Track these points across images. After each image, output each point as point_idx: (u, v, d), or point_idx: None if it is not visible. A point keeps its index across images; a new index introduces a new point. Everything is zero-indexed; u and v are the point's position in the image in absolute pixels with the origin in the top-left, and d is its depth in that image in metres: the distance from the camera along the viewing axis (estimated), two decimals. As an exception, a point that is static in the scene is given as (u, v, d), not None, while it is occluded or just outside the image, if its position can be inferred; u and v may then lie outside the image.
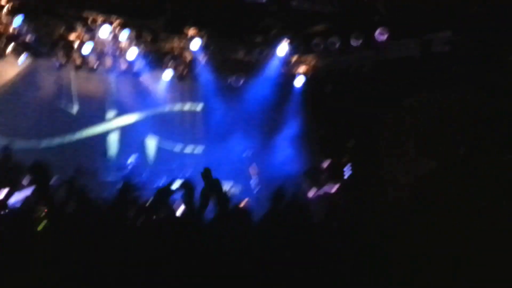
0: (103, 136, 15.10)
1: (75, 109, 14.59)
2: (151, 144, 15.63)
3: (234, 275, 4.93)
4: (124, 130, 15.31)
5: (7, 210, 8.67)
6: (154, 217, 5.88)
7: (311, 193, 13.36)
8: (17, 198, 11.33)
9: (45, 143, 14.06)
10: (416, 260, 5.45)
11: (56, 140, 14.26)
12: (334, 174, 13.48)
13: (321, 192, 13.35)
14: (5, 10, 11.83)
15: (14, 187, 11.55)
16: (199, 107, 16.40)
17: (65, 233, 5.38)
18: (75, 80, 14.54)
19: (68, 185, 6.03)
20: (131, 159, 14.07)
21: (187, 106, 16.34)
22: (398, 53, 13.48)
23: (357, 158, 14.05)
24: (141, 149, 15.37)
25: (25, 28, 12.57)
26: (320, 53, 14.31)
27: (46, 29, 12.94)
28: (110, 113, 15.27)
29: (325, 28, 13.62)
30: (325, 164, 13.67)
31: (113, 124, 15.25)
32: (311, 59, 14.99)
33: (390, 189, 12.41)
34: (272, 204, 6.39)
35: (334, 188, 13.31)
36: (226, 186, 13.11)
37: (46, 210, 5.93)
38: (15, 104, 13.76)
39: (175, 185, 6.51)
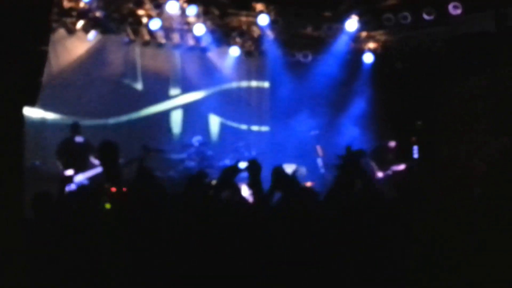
0: (168, 113, 15.12)
1: (140, 86, 14.65)
2: (216, 122, 15.56)
3: (301, 259, 4.80)
4: (189, 108, 15.24)
5: (74, 187, 8.82)
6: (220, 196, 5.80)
7: (379, 173, 13.14)
8: (85, 176, 11.54)
9: (112, 120, 14.20)
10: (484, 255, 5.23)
11: (123, 118, 14.38)
12: (401, 154, 13.17)
13: (390, 171, 13.13)
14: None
15: (82, 165, 11.76)
16: (266, 84, 16.20)
17: (130, 212, 5.36)
18: (140, 57, 14.59)
19: (136, 164, 6.00)
20: (197, 138, 14.05)
21: (254, 83, 16.17)
22: (472, 28, 13.00)
23: (426, 138, 13.70)
24: (206, 127, 15.33)
25: (94, 4, 12.67)
26: (391, 29, 13.95)
27: (115, 5, 13.02)
28: (175, 90, 15.25)
29: (396, 2, 13.25)
30: (392, 144, 13.39)
31: (178, 101, 15.23)
32: (381, 35, 14.62)
33: (460, 172, 12.04)
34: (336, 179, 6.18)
35: (401, 167, 13.06)
36: (291, 168, 12.98)
37: (113, 189, 5.94)
38: (83, 82, 13.90)
39: (242, 164, 6.41)
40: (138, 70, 14.62)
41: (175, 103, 15.18)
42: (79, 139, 12.39)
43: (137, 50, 14.41)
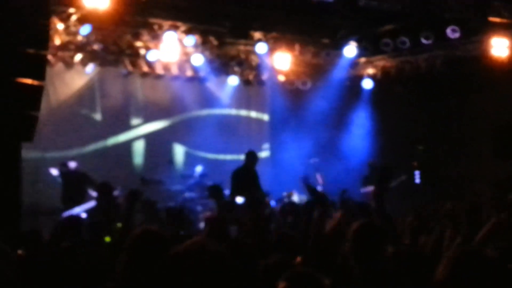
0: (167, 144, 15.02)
1: (98, 117, 14.42)
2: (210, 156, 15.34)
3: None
4: (188, 137, 15.15)
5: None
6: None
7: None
8: (82, 208, 11.48)
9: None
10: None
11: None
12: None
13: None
14: (73, 19, 11.90)
15: (81, 197, 11.72)
16: (265, 112, 16.10)
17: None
18: (100, 88, 14.39)
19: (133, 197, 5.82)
20: (198, 168, 13.90)
21: (254, 112, 16.07)
22: (470, 51, 13.01)
23: (428, 162, 13.62)
24: (204, 158, 15.13)
25: (92, 37, 12.65)
26: (390, 54, 13.92)
27: (113, 37, 12.99)
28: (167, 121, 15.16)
29: (394, 27, 13.23)
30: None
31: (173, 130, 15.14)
32: (379, 60, 14.59)
33: (466, 195, 11.92)
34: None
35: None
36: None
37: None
38: (79, 116, 13.92)
39: (239, 199, 6.35)
40: (97, 101, 14.40)
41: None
42: (74, 168, 12.30)
43: (96, 80, 14.21)
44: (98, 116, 14.12)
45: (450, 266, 2.72)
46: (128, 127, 14.64)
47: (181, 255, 2.64)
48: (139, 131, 14.76)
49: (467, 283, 2.67)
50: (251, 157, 12.04)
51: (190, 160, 14.91)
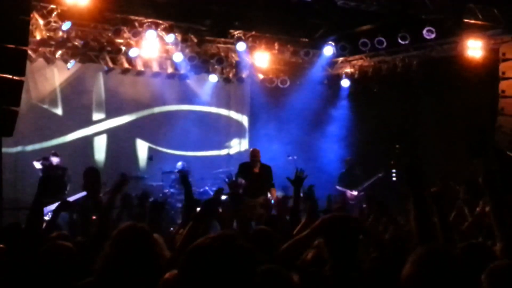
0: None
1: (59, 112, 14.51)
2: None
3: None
4: (166, 134, 15.26)
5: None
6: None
7: (353, 193, 13.34)
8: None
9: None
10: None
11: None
12: None
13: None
14: (54, 15, 11.95)
15: (62, 192, 11.74)
16: (244, 109, 16.27)
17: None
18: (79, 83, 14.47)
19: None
20: (178, 164, 13.97)
21: (233, 110, 16.21)
22: (445, 51, 13.21)
23: (404, 162, 13.77)
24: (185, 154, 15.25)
25: (73, 33, 12.72)
26: (367, 53, 14.10)
27: (93, 34, 13.06)
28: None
29: (372, 27, 13.41)
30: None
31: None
32: (357, 59, 14.77)
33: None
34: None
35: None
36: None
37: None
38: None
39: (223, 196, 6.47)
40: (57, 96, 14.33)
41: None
42: (56, 163, 12.31)
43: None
44: (58, 111, 14.13)
45: (416, 265, 2.68)
46: (92, 122, 14.72)
47: (208, 249, 2.47)
48: (106, 126, 14.85)
49: (433, 282, 2.64)
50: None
51: (169, 156, 15.00)
